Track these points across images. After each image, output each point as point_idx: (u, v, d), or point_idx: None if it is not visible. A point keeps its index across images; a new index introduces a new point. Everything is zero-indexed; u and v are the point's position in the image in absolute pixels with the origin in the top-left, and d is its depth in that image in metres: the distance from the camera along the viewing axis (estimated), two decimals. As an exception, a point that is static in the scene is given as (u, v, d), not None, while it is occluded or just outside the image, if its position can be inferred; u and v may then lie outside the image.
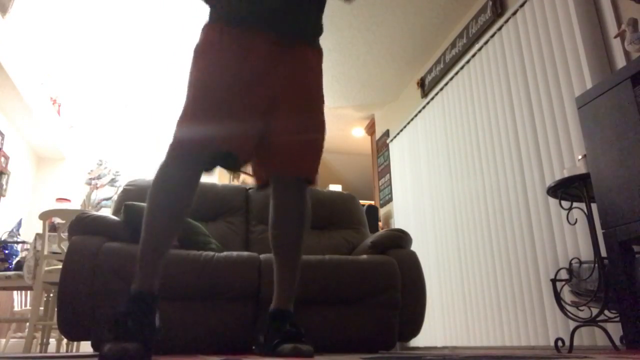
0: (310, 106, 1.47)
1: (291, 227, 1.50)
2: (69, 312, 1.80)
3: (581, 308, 2.00)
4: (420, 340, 3.93)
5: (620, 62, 2.29)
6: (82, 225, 1.97)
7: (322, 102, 1.52)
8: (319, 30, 1.52)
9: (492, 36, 3.32)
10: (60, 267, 1.98)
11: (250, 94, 1.36)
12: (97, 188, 5.82)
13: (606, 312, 1.87)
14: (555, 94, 2.68)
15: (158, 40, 4.56)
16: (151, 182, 1.36)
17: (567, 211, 2.10)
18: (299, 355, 1.26)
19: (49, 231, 2.99)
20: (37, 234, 3.05)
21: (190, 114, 1.33)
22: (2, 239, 3.80)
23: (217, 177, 5.89)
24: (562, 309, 2.03)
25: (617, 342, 1.84)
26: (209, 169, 1.38)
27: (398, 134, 4.80)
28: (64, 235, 2.70)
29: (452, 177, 3.74)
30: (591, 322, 1.89)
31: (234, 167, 1.40)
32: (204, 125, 1.32)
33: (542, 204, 2.71)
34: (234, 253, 2.03)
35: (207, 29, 1.42)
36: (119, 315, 1.19)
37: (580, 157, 2.06)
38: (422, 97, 4.41)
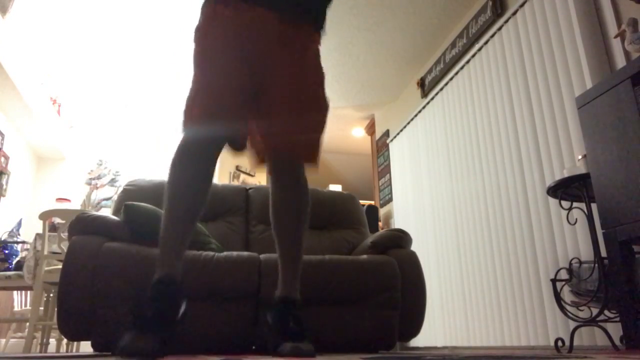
0: (307, 89, 1.47)
1: (289, 213, 1.50)
2: (69, 312, 1.80)
3: (581, 308, 2.00)
4: (420, 340, 3.93)
5: (620, 62, 2.29)
6: (82, 225, 1.97)
7: (321, 86, 1.51)
8: (321, 19, 1.53)
9: (492, 36, 3.32)
10: (60, 267, 1.98)
11: (249, 69, 1.38)
12: (97, 188, 5.82)
13: (606, 312, 1.87)
14: (555, 94, 2.68)
15: (158, 40, 4.56)
16: (170, 164, 1.36)
17: (567, 211, 2.10)
18: (299, 355, 1.25)
19: (49, 231, 2.99)
20: (37, 234, 3.05)
21: (196, 90, 1.37)
22: (2, 239, 3.80)
23: (217, 177, 5.89)
24: (562, 309, 2.03)
25: (617, 342, 1.84)
26: (220, 146, 1.39)
27: (398, 134, 4.80)
28: (64, 235, 2.70)
29: (452, 177, 3.74)
30: (591, 322, 1.89)
31: (239, 146, 1.44)
32: (211, 102, 1.35)
33: (542, 204, 2.71)
34: (234, 253, 2.03)
35: (205, 7, 1.45)
36: (142, 303, 1.20)
37: (580, 157, 2.06)
38: (422, 97, 4.41)
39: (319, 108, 1.48)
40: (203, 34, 1.42)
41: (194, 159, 1.35)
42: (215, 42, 1.39)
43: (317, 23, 1.52)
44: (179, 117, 1.37)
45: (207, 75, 1.37)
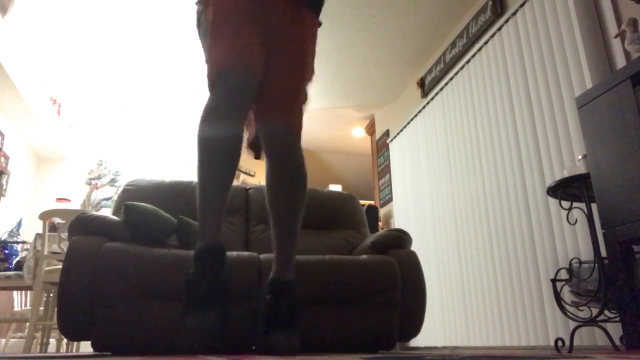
0: (303, 66, 1.53)
1: (283, 186, 1.49)
2: (69, 312, 1.80)
3: (581, 308, 2.00)
4: (420, 340, 3.93)
5: (620, 62, 2.29)
6: (82, 225, 1.97)
7: (311, 69, 1.56)
8: (320, 2, 1.61)
9: (492, 36, 3.32)
10: (60, 267, 1.98)
11: (257, 26, 1.43)
12: (97, 188, 5.82)
13: (606, 312, 1.87)
14: (555, 94, 2.68)
15: (158, 40, 4.56)
16: (198, 128, 1.33)
17: (567, 211, 2.10)
18: (284, 350, 1.27)
19: (49, 231, 2.99)
20: (37, 234, 3.05)
21: (216, 49, 1.39)
22: (2, 239, 3.80)
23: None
24: (562, 309, 2.03)
25: (617, 342, 1.84)
26: (247, 97, 1.39)
27: (398, 134, 4.80)
28: (64, 235, 2.70)
29: (452, 177, 3.74)
30: (591, 322, 1.89)
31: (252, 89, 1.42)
32: (232, 53, 1.37)
33: (542, 204, 2.71)
34: (234, 253, 2.03)
35: None
36: (191, 279, 1.21)
37: (580, 157, 2.06)
38: (422, 97, 4.41)
39: (306, 81, 1.53)
40: (217, 1, 1.45)
41: (223, 116, 1.33)
42: (229, 6, 1.43)
43: (317, 7, 1.58)
44: (204, 78, 1.39)
45: (224, 31, 1.40)
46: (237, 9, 1.42)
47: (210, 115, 1.32)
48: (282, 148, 1.48)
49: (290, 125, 1.47)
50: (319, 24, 1.60)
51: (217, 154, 1.33)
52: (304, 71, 1.51)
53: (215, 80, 1.35)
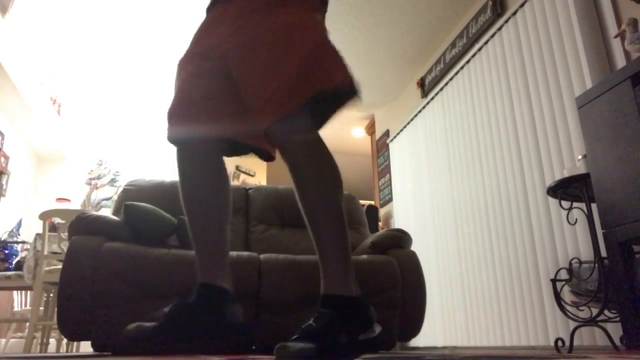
0: (258, 55, 1.28)
1: (299, 187, 1.24)
2: (69, 312, 1.80)
3: (581, 308, 2.00)
4: (420, 340, 3.93)
5: (620, 62, 2.29)
6: (82, 225, 1.97)
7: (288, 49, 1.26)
8: None
9: (492, 36, 3.32)
10: (60, 267, 1.98)
11: (222, 69, 1.33)
12: (97, 188, 5.82)
13: (606, 312, 1.87)
14: (555, 94, 2.68)
15: (158, 40, 4.56)
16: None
17: (567, 211, 2.10)
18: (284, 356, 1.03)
19: (49, 231, 2.99)
20: (37, 234, 3.05)
21: (172, 102, 1.39)
22: (2, 239, 3.80)
23: (217, 177, 5.87)
24: (562, 309, 2.03)
25: (617, 342, 1.84)
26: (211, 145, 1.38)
27: (398, 134, 4.80)
28: (64, 235, 2.70)
29: (452, 177, 3.74)
30: (591, 322, 1.89)
31: (234, 150, 1.42)
32: (185, 104, 1.36)
33: (542, 204, 2.71)
34: (234, 253, 2.03)
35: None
36: (175, 307, 1.23)
37: (580, 157, 2.06)
38: (422, 97, 4.41)
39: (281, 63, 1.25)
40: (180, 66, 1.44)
41: (190, 164, 1.37)
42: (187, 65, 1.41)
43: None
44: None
45: (180, 85, 1.40)
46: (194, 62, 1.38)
47: (179, 165, 1.38)
48: (280, 144, 1.25)
49: (272, 115, 1.20)
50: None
51: (198, 217, 1.36)
52: (266, 56, 1.26)
53: (169, 131, 1.37)
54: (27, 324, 2.99)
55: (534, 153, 2.81)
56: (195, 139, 1.35)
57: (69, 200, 5.05)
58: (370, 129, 5.82)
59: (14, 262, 3.48)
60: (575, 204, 2.10)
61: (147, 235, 2.06)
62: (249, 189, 2.76)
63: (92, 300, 1.81)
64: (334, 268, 1.19)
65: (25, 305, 4.06)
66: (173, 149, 1.40)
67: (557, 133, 2.63)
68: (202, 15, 1.49)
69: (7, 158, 4.89)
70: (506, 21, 3.17)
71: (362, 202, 3.14)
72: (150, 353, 1.39)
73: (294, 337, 1.06)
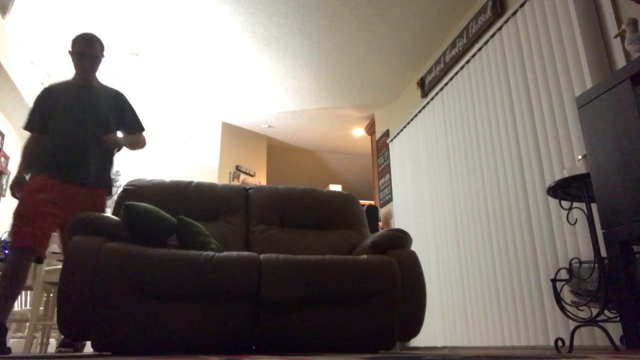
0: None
1: None
2: (69, 312, 1.80)
3: (581, 308, 2.00)
4: (420, 340, 3.93)
5: (620, 62, 2.29)
6: (82, 225, 1.97)
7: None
8: (102, 179, 2.59)
9: (492, 36, 3.32)
10: (60, 266, 1.98)
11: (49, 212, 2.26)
12: (97, 188, 5.81)
13: (606, 312, 1.87)
14: (555, 94, 2.68)
15: (158, 40, 4.57)
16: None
17: (567, 211, 2.10)
18: None
19: (49, 231, 2.98)
20: (37, 234, 3.04)
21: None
22: (2, 239, 3.80)
23: (216, 177, 5.88)
24: (562, 309, 2.03)
25: (617, 342, 1.84)
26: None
27: (398, 134, 4.80)
28: (64, 235, 2.70)
29: (452, 177, 3.75)
30: (591, 322, 1.89)
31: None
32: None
33: (542, 204, 2.71)
34: (234, 253, 2.03)
35: (31, 175, 2.42)
36: None
37: (580, 157, 2.06)
38: (422, 97, 4.41)
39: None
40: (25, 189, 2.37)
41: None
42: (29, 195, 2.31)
43: (98, 183, 2.56)
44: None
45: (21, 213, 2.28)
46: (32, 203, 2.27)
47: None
48: None
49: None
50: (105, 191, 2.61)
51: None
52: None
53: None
54: (27, 324, 2.99)
55: (534, 153, 2.81)
56: None
57: (69, 200, 5.03)
58: (370, 129, 5.83)
59: (14, 262, 3.47)
60: (575, 204, 2.10)
61: (147, 235, 2.06)
62: (249, 189, 2.75)
63: (92, 300, 1.81)
64: None
65: (25, 305, 4.06)
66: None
67: (557, 133, 2.63)
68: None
69: (7, 158, 4.89)
70: (506, 21, 3.17)
71: (362, 202, 3.15)
72: (150, 353, 1.38)
73: None
